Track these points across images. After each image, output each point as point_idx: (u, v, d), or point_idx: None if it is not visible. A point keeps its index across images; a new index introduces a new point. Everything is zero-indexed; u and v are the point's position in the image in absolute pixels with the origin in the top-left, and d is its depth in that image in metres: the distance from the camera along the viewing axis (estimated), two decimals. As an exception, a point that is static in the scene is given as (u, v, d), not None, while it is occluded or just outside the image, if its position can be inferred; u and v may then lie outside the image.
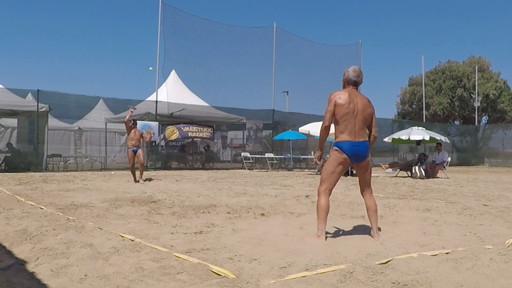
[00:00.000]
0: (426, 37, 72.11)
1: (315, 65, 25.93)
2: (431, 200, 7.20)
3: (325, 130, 3.83)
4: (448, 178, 14.05)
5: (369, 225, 4.06)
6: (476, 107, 33.21)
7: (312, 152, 21.04)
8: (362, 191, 4.08)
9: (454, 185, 10.76)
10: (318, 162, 4.06)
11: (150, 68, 16.24)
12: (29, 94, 16.98)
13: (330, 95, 3.87)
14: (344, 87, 3.99)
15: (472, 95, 35.74)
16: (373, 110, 3.99)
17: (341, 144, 3.82)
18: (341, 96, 3.82)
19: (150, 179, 11.39)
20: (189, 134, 19.07)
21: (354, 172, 15.28)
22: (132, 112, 11.00)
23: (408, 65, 74.42)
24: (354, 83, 3.94)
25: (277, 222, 4.82)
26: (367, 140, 3.93)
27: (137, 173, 10.65)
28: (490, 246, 3.53)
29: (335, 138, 3.89)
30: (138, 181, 10.44)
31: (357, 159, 3.88)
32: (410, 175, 14.39)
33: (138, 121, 17.18)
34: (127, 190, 8.40)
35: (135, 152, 10.72)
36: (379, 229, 4.16)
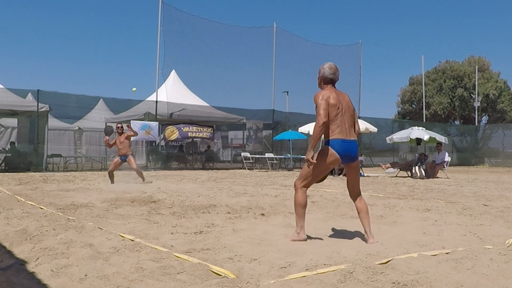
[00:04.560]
0: (426, 37, 72.17)
1: (315, 65, 25.79)
2: (431, 200, 7.19)
3: (323, 126, 3.62)
4: (448, 178, 14.04)
5: (370, 225, 4.03)
6: (476, 107, 33.22)
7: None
8: (351, 194, 3.97)
9: (454, 185, 10.75)
10: (312, 162, 3.67)
11: (134, 89, 16.29)
12: (29, 94, 16.99)
13: (317, 96, 3.72)
14: (320, 85, 3.88)
15: (472, 95, 35.76)
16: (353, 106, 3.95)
17: (333, 142, 3.69)
18: (331, 95, 3.71)
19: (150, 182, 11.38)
20: (189, 134, 19.08)
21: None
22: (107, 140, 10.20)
23: (408, 65, 74.58)
24: (330, 81, 3.83)
25: (277, 222, 4.82)
26: (356, 139, 3.83)
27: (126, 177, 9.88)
28: (490, 246, 3.53)
29: (325, 137, 3.77)
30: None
31: (349, 159, 3.77)
32: (410, 175, 14.38)
33: (138, 121, 17.31)
34: (127, 190, 8.40)
35: (123, 160, 10.02)
36: (375, 229, 4.15)
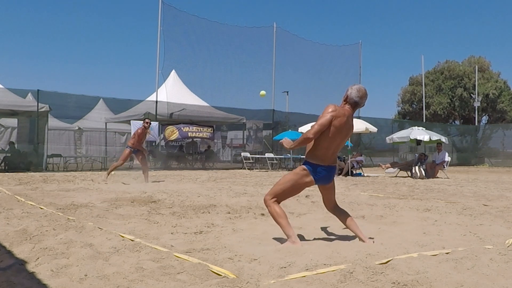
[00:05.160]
0: (426, 37, 72.20)
1: (315, 65, 25.98)
2: (431, 200, 7.19)
3: (305, 141, 3.52)
4: (448, 178, 14.05)
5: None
6: (476, 107, 33.22)
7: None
8: (328, 207, 3.90)
9: (454, 185, 10.75)
10: (285, 146, 3.70)
11: (263, 93, 14.45)
12: (29, 94, 16.99)
13: (328, 107, 3.53)
14: (343, 102, 3.68)
15: (472, 95, 35.78)
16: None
17: (312, 166, 3.58)
18: (340, 118, 3.51)
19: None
20: (189, 134, 19.08)
21: (354, 172, 15.30)
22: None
23: (409, 65, 74.62)
24: (354, 104, 3.62)
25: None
26: (336, 164, 3.73)
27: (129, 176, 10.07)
28: (490, 246, 3.53)
29: (306, 154, 3.63)
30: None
31: (324, 182, 3.69)
32: (410, 175, 14.39)
33: (138, 121, 17.30)
34: (127, 190, 8.40)
35: (134, 153, 10.14)
36: (375, 229, 4.14)
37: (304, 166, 3.62)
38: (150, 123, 10.53)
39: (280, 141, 3.70)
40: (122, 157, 10.23)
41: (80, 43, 76.35)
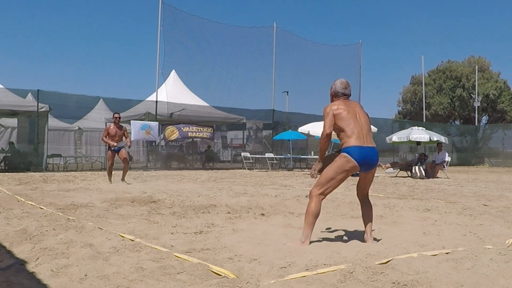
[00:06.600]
0: (427, 37, 72.21)
1: (315, 65, 25.98)
2: (431, 200, 7.20)
3: (326, 138, 3.58)
4: (448, 178, 14.05)
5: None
6: (476, 107, 33.23)
7: (313, 152, 21.07)
8: (359, 194, 3.90)
9: (454, 185, 10.76)
10: (315, 176, 3.68)
11: None
12: (29, 94, 16.99)
13: (325, 108, 3.68)
14: (332, 101, 3.82)
15: (472, 95, 35.77)
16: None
17: (350, 149, 3.52)
18: (337, 106, 3.66)
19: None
20: (189, 134, 19.09)
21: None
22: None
23: (409, 65, 74.56)
24: (342, 95, 3.78)
25: (277, 222, 4.82)
26: (374, 146, 3.66)
27: (113, 173, 9.73)
28: (490, 246, 3.53)
29: (342, 144, 3.62)
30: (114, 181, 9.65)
31: (368, 167, 3.61)
32: (410, 175, 14.39)
33: (138, 121, 17.32)
34: (127, 190, 8.40)
35: (116, 151, 9.81)
36: (375, 229, 4.14)
37: (343, 153, 3.58)
38: (119, 118, 9.94)
39: (311, 173, 3.84)
40: (109, 162, 9.98)
41: (80, 43, 76.30)
